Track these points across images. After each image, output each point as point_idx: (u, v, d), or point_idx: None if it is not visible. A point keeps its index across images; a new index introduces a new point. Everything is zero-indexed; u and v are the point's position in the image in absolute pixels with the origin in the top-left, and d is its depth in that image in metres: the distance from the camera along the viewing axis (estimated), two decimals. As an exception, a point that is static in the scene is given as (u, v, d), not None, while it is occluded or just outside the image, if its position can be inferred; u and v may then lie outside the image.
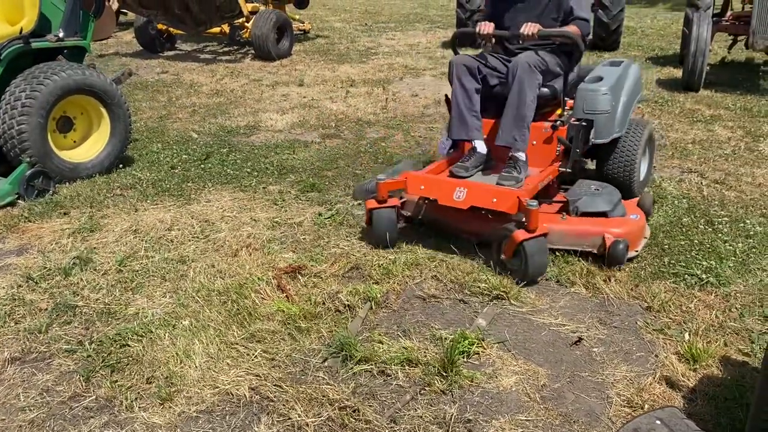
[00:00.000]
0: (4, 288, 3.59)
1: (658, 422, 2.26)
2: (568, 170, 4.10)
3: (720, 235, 4.16)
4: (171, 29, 11.65)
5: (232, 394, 2.73)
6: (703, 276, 3.64)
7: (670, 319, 3.28)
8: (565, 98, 4.33)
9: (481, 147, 4.15)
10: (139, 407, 2.67)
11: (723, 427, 2.51)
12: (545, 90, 4.10)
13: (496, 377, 2.84)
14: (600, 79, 4.20)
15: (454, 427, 2.52)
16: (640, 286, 3.59)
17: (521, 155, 3.96)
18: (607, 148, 4.37)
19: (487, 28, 4.13)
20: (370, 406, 2.66)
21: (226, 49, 12.37)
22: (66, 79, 5.10)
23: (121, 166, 5.60)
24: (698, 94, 8.00)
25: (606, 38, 10.89)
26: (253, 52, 11.22)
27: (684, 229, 4.23)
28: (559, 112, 4.29)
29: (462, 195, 3.69)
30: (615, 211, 3.84)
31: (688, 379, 2.81)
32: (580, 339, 3.13)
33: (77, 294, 3.53)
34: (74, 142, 5.46)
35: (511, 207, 3.56)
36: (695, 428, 2.25)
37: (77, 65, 5.34)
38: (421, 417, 2.59)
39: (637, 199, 4.21)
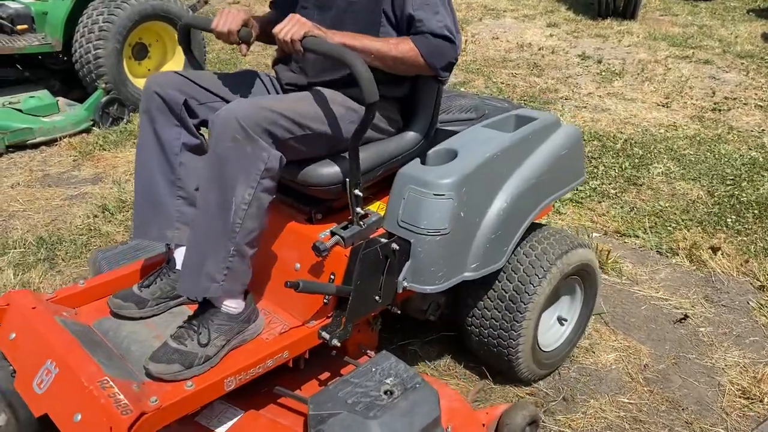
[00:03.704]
0: (80, 217, 3.53)
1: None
2: (335, 344, 1.93)
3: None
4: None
5: None
6: (825, 256, 3.27)
7: (787, 301, 2.96)
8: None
9: (182, 256, 2.01)
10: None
11: None
12: (326, 172, 1.98)
13: (594, 352, 2.60)
14: (452, 156, 2.10)
15: (550, 406, 2.32)
16: (750, 262, 3.25)
17: (227, 304, 1.88)
18: (470, 290, 2.28)
19: (231, 19, 1.96)
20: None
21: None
22: (143, 4, 4.95)
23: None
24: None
25: None
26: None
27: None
28: (374, 206, 2.17)
29: (46, 382, 1.74)
30: None
31: (812, 372, 2.52)
32: (685, 316, 2.85)
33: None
34: (149, 70, 5.35)
35: None
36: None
37: (154, -10, 5.17)
38: (515, 393, 2.39)
39: (503, 409, 2.03)
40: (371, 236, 2.02)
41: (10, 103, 4.67)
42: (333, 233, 1.99)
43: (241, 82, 2.14)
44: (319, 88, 2.03)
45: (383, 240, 2.00)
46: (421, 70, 1.99)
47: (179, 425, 1.91)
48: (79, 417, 1.64)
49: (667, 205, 3.86)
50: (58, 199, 3.77)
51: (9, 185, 3.94)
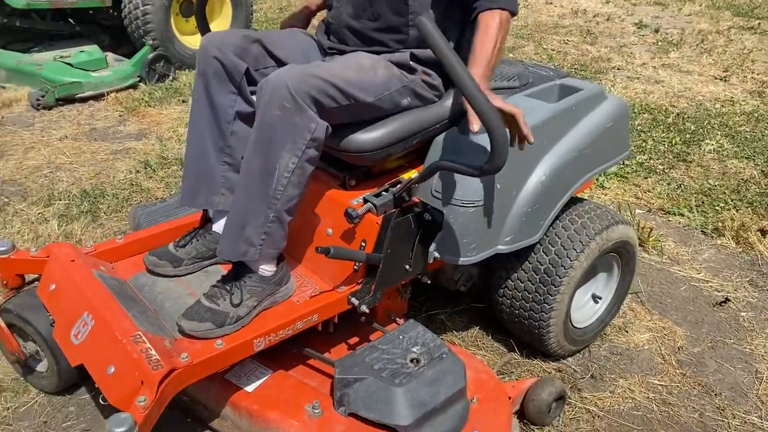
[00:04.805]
0: (123, 172, 3.60)
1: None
2: (364, 310, 1.94)
3: None
4: None
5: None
6: None
7: (837, 290, 2.84)
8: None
9: (220, 224, 2.09)
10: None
11: None
12: (366, 139, 1.94)
13: (627, 332, 2.55)
14: None
15: (577, 383, 2.29)
16: (801, 247, 3.13)
17: (262, 267, 1.90)
18: (504, 262, 2.25)
19: None
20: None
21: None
22: (191, -41, 4.95)
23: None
24: None
25: None
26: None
27: None
28: (409, 174, 2.13)
29: (83, 333, 1.81)
30: (426, 429, 1.77)
31: None
32: (726, 299, 2.77)
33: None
34: (196, 27, 5.36)
35: (120, 399, 1.66)
36: None
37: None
38: (542, 368, 2.38)
39: (530, 383, 2.07)
40: (404, 205, 2.01)
41: (60, 57, 4.76)
42: (366, 200, 1.97)
43: (293, 45, 2.11)
44: (363, 53, 1.99)
45: (416, 209, 1.98)
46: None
47: (209, 382, 1.96)
48: (113, 369, 1.69)
49: (716, 183, 3.73)
50: (103, 153, 3.85)
51: (57, 138, 4.04)
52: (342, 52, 2.06)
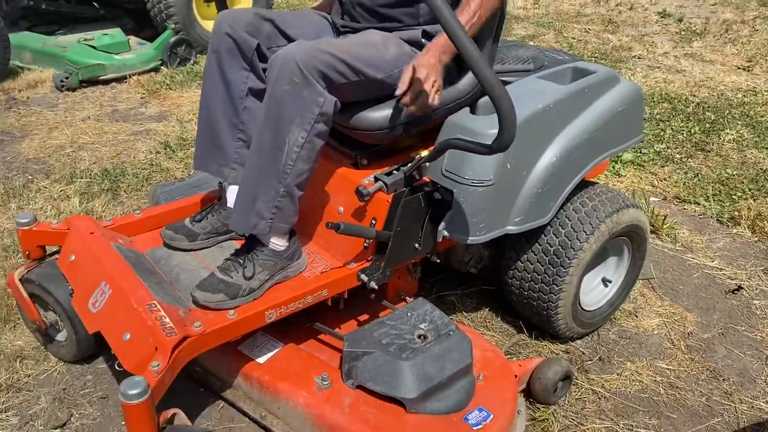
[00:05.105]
0: (143, 153, 3.68)
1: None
2: (373, 286, 1.98)
3: None
4: None
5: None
6: None
7: None
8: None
9: (234, 195, 2.04)
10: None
11: None
12: (376, 117, 1.97)
13: (637, 316, 2.56)
14: None
15: (584, 365, 2.31)
16: (818, 237, 3.10)
17: (273, 241, 1.94)
18: (514, 244, 2.26)
19: None
20: (494, 325, 2.49)
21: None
22: (213, -56, 4.99)
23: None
24: None
25: None
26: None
27: None
28: (420, 154, 2.08)
29: (100, 302, 1.87)
30: (432, 402, 1.81)
31: None
32: (739, 287, 2.76)
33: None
34: (217, 12, 5.42)
35: (135, 365, 1.70)
36: None
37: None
38: (551, 350, 2.40)
39: (537, 363, 2.09)
40: (415, 184, 2.03)
41: (85, 39, 4.85)
42: (377, 179, 2.00)
43: (305, 24, 2.14)
44: (375, 30, 2.01)
45: (426, 188, 2.01)
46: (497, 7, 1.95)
47: (222, 353, 2.02)
48: (128, 336, 1.75)
49: (734, 173, 3.70)
50: (124, 134, 3.93)
51: (81, 118, 4.12)
52: (355, 31, 2.09)
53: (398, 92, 1.77)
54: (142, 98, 4.47)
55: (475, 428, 1.80)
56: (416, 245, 2.05)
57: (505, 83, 2.18)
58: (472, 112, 2.11)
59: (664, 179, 3.63)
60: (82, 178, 3.35)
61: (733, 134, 4.18)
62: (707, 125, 4.30)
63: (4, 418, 2.01)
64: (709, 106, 4.63)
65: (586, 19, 6.65)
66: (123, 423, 1.92)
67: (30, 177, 3.39)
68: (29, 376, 2.16)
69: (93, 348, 2.18)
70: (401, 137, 2.07)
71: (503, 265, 2.32)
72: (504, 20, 2.09)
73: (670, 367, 2.33)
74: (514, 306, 2.41)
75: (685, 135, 4.16)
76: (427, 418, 1.79)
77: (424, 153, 2.09)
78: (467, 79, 2.09)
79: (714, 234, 3.16)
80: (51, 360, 2.22)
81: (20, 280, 2.12)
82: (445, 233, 2.01)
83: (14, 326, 2.35)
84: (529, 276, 2.24)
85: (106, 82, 4.67)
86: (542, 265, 2.20)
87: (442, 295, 2.60)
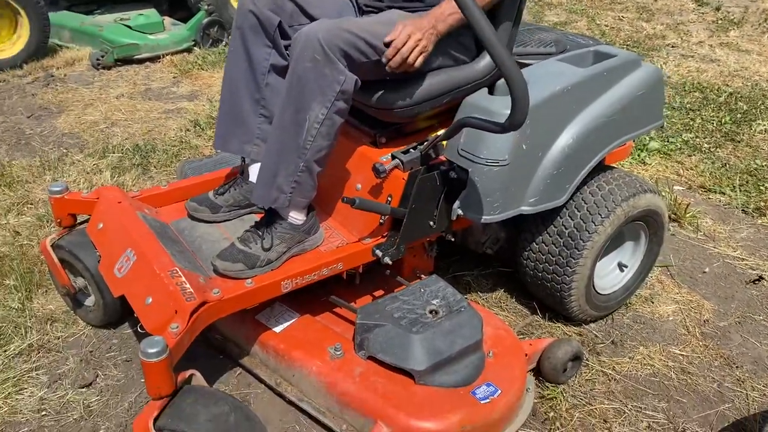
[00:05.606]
0: (174, 130, 3.77)
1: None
2: (387, 261, 2.03)
3: None
4: None
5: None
6: None
7: None
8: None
9: (256, 170, 2.16)
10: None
11: None
12: (395, 96, 2.00)
13: (653, 302, 2.56)
14: None
15: (596, 347, 2.33)
16: None
17: (292, 215, 2.00)
18: (530, 225, 2.30)
19: None
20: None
21: None
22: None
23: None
24: None
25: None
26: None
27: None
28: (435, 134, 2.14)
29: (125, 268, 1.95)
30: (440, 375, 1.86)
31: None
32: (760, 278, 2.74)
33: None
34: (250, -6, 5.48)
35: (155, 326, 1.78)
36: None
37: None
38: (563, 331, 2.42)
39: (547, 342, 2.13)
40: (431, 163, 2.07)
41: (121, 19, 4.96)
42: (393, 156, 2.04)
43: (327, 3, 2.17)
44: (397, 10, 2.04)
45: (442, 167, 2.04)
46: None
47: (240, 322, 2.09)
48: (150, 300, 1.83)
49: (764, 164, 3.64)
50: (156, 112, 4.03)
51: (115, 96, 4.24)
52: (377, 10, 2.12)
53: (386, 39, 1.84)
54: (174, 78, 4.57)
55: (482, 402, 1.84)
56: (431, 223, 2.09)
57: (526, 65, 2.21)
58: (491, 93, 2.13)
59: (691, 168, 3.59)
60: (114, 152, 3.46)
61: (765, 125, 4.11)
62: (739, 115, 4.23)
63: (35, 376, 2.11)
64: (742, 96, 4.55)
65: (620, 6, 6.55)
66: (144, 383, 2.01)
67: (65, 151, 3.51)
68: (59, 338, 2.26)
69: (119, 314, 2.28)
70: (420, 116, 2.11)
71: (519, 246, 2.35)
72: (525, 2, 2.10)
73: (683, 353, 2.33)
74: (529, 287, 2.43)
75: (714, 125, 4.10)
76: (435, 390, 1.84)
77: (441, 133, 2.12)
78: (485, 60, 2.11)
79: (738, 224, 3.13)
80: (79, 324, 2.32)
81: (52, 246, 2.22)
82: (460, 212, 2.04)
83: (46, 291, 2.46)
84: (544, 257, 2.26)
85: (141, 61, 4.79)
86: (557, 247, 2.21)
87: (458, 275, 2.64)
